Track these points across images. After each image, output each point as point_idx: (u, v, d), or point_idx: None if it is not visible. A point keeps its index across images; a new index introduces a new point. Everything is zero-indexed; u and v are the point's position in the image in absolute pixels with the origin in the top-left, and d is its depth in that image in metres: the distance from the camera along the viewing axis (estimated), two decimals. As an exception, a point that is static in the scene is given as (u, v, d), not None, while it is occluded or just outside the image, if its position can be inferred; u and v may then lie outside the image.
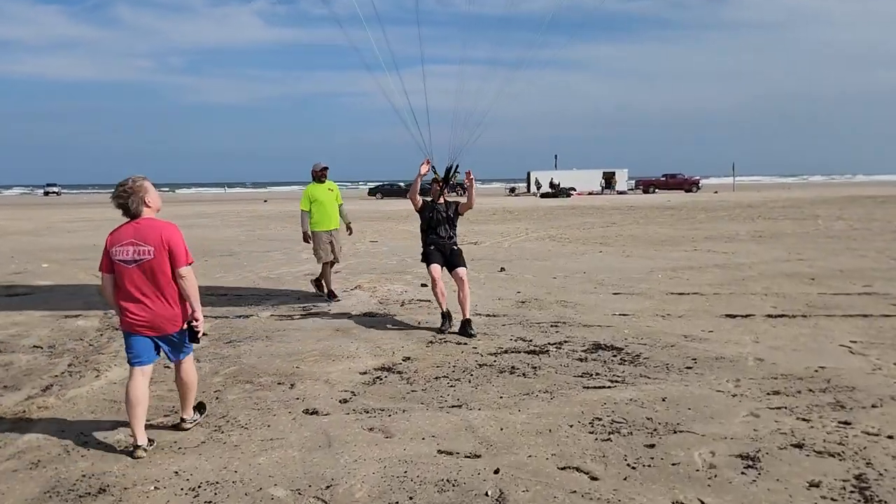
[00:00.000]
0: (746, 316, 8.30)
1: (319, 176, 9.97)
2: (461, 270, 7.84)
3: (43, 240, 21.03)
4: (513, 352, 6.80)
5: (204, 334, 4.90)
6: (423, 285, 10.81)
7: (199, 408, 4.97)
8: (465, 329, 7.50)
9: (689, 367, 6.16)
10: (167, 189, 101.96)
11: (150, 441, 4.44)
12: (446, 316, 7.79)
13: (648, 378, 5.86)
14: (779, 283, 10.71)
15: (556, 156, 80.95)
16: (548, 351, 6.79)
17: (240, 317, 8.74)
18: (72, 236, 22.26)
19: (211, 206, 46.64)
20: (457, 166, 8.32)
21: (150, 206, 4.47)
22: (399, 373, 6.14)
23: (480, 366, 6.32)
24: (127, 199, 4.38)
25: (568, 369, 6.15)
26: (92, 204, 58.32)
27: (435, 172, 8.27)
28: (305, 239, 9.99)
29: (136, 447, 4.32)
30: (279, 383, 5.90)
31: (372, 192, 64.92)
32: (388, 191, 64.22)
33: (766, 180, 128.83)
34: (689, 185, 63.04)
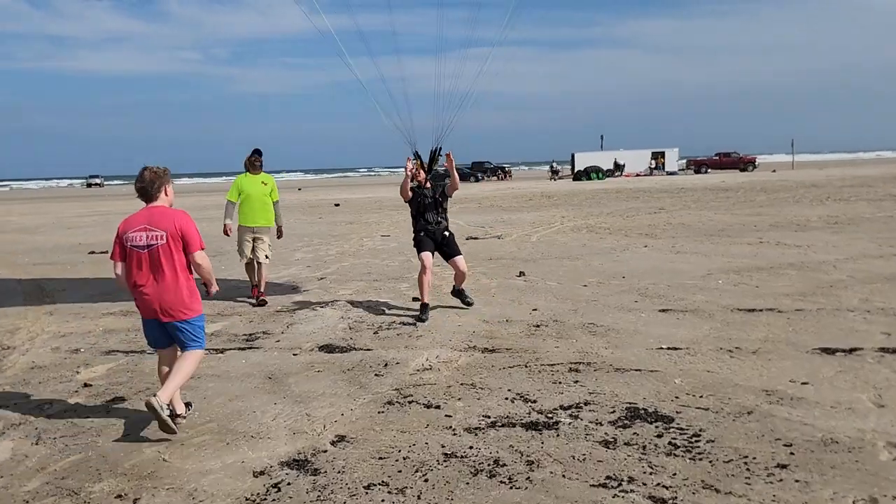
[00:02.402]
0: (851, 351, 5.82)
1: (251, 167, 9.01)
2: (458, 261, 7.85)
3: (29, 237, 19.39)
4: (504, 425, 4.49)
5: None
6: (415, 299, 8.55)
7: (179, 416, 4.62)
8: (462, 297, 8.04)
9: (783, 466, 3.77)
10: (205, 177, 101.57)
11: (188, 405, 4.82)
12: (426, 307, 7.59)
13: (716, 492, 3.49)
14: (881, 290, 8.13)
15: (602, 136, 77.81)
16: (557, 424, 4.47)
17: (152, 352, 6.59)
18: (68, 233, 20.64)
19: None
20: (439, 149, 8.04)
21: (166, 196, 4.63)
22: (315, 473, 3.89)
23: (447, 457, 4.03)
24: (149, 182, 4.54)
25: (584, 467, 3.82)
26: (128, 196, 57.62)
27: (418, 159, 7.96)
28: (225, 232, 9.20)
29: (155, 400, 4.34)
30: (118, 497, 3.71)
31: (409, 178, 62.80)
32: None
33: (829, 157, 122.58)
34: (745, 164, 59.31)
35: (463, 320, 7.44)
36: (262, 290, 8.90)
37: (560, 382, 5.30)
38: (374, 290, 9.44)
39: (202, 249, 4.58)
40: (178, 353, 4.68)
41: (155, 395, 4.32)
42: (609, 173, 59.14)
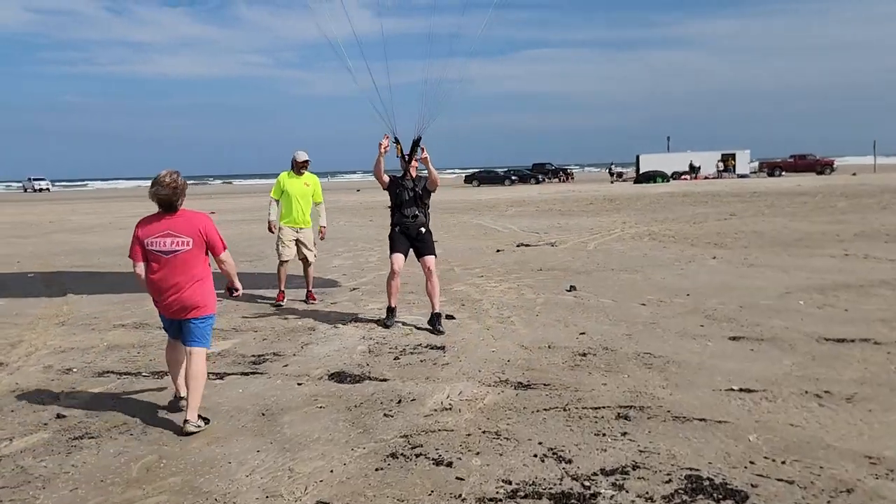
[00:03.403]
0: (976, 401, 4.66)
1: (298, 167, 8.94)
2: (428, 260, 7.28)
3: (78, 238, 19.29)
4: (528, 496, 3.56)
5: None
6: (449, 317, 7.66)
7: (204, 420, 4.68)
8: (434, 322, 7.15)
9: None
10: (269, 178, 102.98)
11: (205, 420, 4.70)
12: (391, 311, 7.38)
13: None
14: None
15: (668, 138, 75.39)
16: (595, 498, 3.51)
17: (146, 376, 5.89)
18: (118, 234, 20.52)
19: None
20: (419, 140, 7.42)
21: (180, 199, 4.68)
22: (277, 560, 3.05)
23: (448, 544, 3.13)
24: (173, 196, 4.60)
25: (625, 572, 2.86)
26: (193, 196, 58.62)
27: (398, 145, 7.44)
28: (270, 229, 9.18)
29: (180, 398, 4.91)
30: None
31: (468, 180, 61.95)
32: (485, 178, 61.10)
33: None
34: (822, 167, 56.26)
35: (499, 345, 6.51)
36: (311, 288, 9.05)
37: (604, 434, 4.33)
38: (407, 304, 8.58)
39: (225, 249, 4.81)
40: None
41: (187, 421, 4.52)
42: (676, 176, 57.00)
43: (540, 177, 61.47)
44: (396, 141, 7.40)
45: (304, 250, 8.88)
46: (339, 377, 5.66)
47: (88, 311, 8.65)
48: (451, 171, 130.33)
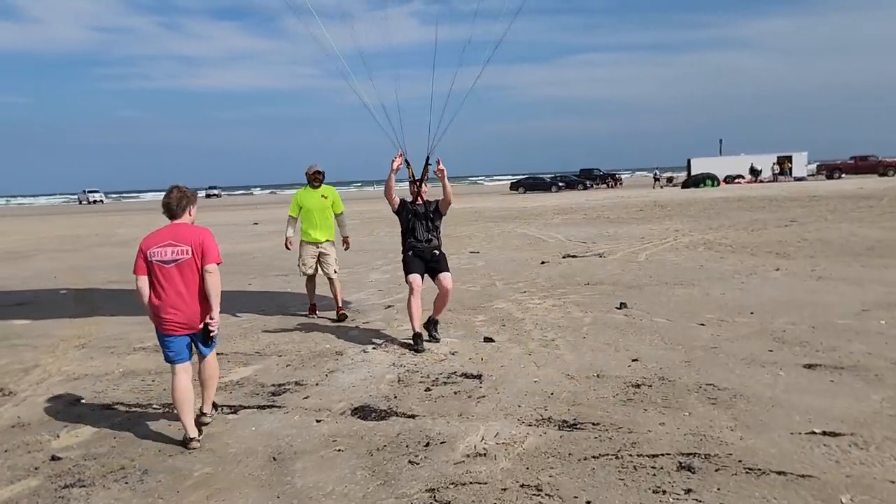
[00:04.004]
0: None
1: (311, 180, 8.72)
2: (445, 277, 7.03)
3: (122, 251, 19.23)
4: (572, 578, 2.92)
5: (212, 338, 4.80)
6: (488, 339, 7.05)
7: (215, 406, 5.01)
8: (430, 329, 7.09)
9: None
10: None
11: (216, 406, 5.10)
12: (418, 337, 6.87)
13: None
14: None
15: (720, 140, 73.44)
16: (656, 584, 2.86)
17: (157, 408, 5.42)
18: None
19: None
20: (427, 159, 7.16)
21: (190, 216, 4.83)
22: None
23: None
24: (175, 201, 4.74)
25: None
26: (243, 206, 59.27)
27: (409, 168, 7.18)
28: (287, 245, 8.96)
29: (189, 440, 4.58)
30: None
31: (514, 187, 61.13)
32: (531, 184, 60.21)
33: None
34: (885, 168, 53.79)
35: (541, 374, 5.86)
36: (339, 304, 8.73)
37: (664, 491, 3.66)
38: (444, 323, 7.99)
39: (218, 265, 4.72)
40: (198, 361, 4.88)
41: (203, 414, 4.86)
42: (729, 180, 55.27)
43: (587, 183, 60.35)
44: (408, 164, 7.18)
45: (327, 267, 8.65)
46: (362, 412, 5.09)
47: (111, 333, 8.29)
48: (498, 177, 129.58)
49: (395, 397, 5.41)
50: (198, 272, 4.63)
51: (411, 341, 6.93)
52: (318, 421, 4.97)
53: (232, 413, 5.24)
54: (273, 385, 5.90)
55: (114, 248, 21.19)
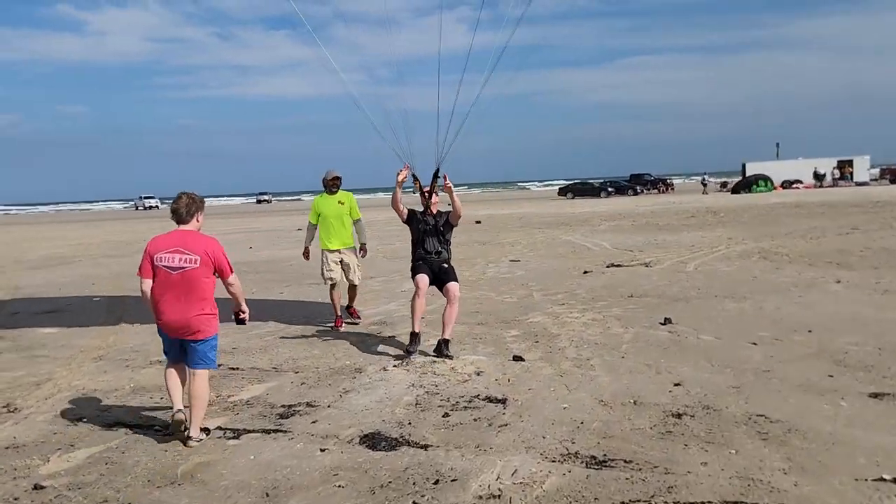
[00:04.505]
0: None
1: (329, 186, 8.53)
2: (452, 286, 6.85)
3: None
4: None
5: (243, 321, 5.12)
6: (517, 358, 6.56)
7: (205, 430, 4.86)
8: (441, 349, 6.68)
9: None
10: (371, 192, 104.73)
11: (206, 430, 4.86)
12: (416, 337, 6.80)
13: None
14: None
15: (777, 144, 71.28)
16: None
17: (158, 430, 5.08)
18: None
19: (388, 212, 44.60)
20: (437, 171, 7.02)
21: (197, 222, 4.90)
22: None
23: None
24: (184, 206, 4.82)
25: None
26: (292, 211, 59.77)
27: (416, 181, 7.08)
28: (304, 255, 8.87)
29: (178, 411, 4.75)
30: None
31: (562, 192, 60.32)
32: (580, 189, 59.28)
33: None
34: (954, 172, 51.29)
35: (572, 399, 5.35)
36: (353, 305, 8.78)
37: (704, 552, 3.12)
38: (473, 338, 7.54)
39: (233, 273, 4.92)
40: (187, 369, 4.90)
41: (190, 437, 4.70)
42: (786, 185, 53.40)
43: (638, 188, 59.11)
44: (415, 178, 7.06)
45: (350, 274, 8.53)
46: (372, 441, 4.66)
47: (132, 344, 8.06)
48: (547, 182, 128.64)
49: (410, 423, 4.97)
50: (202, 281, 4.73)
51: (408, 343, 6.88)
52: (322, 450, 4.55)
53: (234, 438, 4.87)
54: (283, 406, 5.52)
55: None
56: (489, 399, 5.43)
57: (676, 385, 5.56)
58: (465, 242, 19.50)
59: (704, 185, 58.26)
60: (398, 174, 6.87)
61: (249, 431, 5.00)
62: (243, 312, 5.09)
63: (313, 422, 5.11)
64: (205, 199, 5.13)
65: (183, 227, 4.86)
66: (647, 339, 7.17)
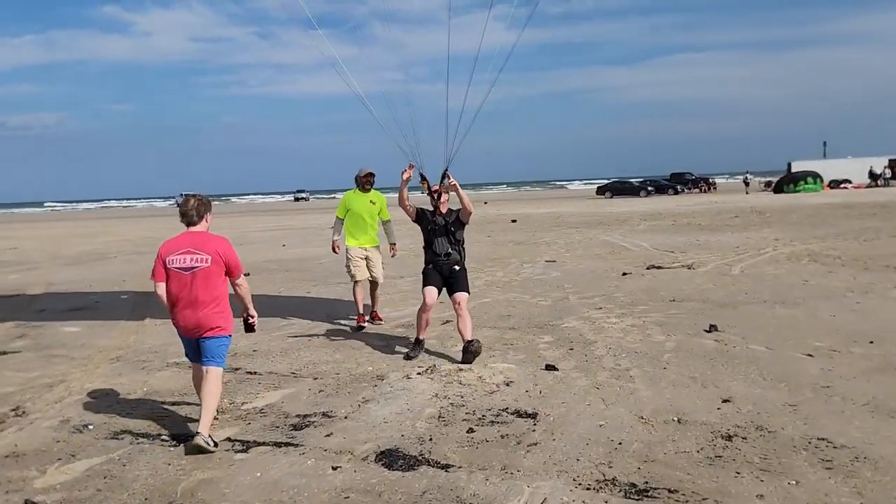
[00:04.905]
0: None
1: (363, 183, 8.39)
2: (460, 296, 6.61)
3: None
4: None
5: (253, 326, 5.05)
6: (550, 367, 6.12)
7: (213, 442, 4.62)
8: (465, 354, 6.34)
9: None
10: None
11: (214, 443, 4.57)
12: (419, 343, 6.77)
13: None
14: None
15: (824, 143, 69.35)
16: None
17: (165, 440, 4.77)
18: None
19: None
20: (445, 171, 6.78)
21: (206, 222, 4.95)
22: None
23: None
24: (194, 209, 4.87)
25: None
26: (328, 210, 59.95)
27: (423, 181, 6.88)
28: (334, 249, 8.63)
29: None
30: None
31: (600, 191, 59.31)
32: (618, 189, 58.25)
33: None
34: None
35: (609, 415, 4.90)
36: (375, 308, 8.66)
37: None
38: (503, 344, 7.12)
39: (241, 273, 4.96)
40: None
41: (198, 433, 4.50)
42: (834, 185, 51.68)
43: (679, 187, 57.84)
44: (423, 178, 6.85)
45: (373, 272, 8.39)
46: (388, 458, 4.28)
47: (151, 344, 7.82)
48: (585, 181, 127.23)
49: (431, 439, 4.57)
50: (214, 281, 4.76)
51: (412, 346, 6.83)
52: (334, 468, 4.18)
53: (242, 451, 4.54)
54: (297, 416, 5.17)
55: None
56: (518, 413, 5.01)
57: (725, 401, 5.07)
58: (499, 242, 19.06)
59: (747, 183, 56.65)
60: (402, 173, 6.70)
61: (259, 444, 4.66)
62: (252, 317, 5.00)
63: (327, 435, 4.75)
64: (211, 201, 5.19)
65: (192, 228, 4.89)
66: (691, 347, 6.66)
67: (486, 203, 54.02)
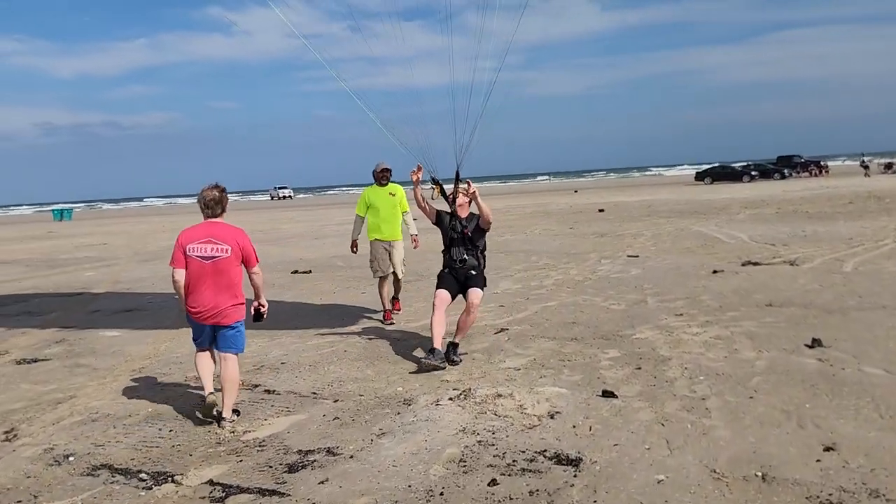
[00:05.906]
0: None
1: (379, 178, 8.44)
2: (473, 293, 6.37)
3: (270, 249, 18.97)
4: None
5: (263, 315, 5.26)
6: (608, 394, 5.09)
7: (236, 412, 5.05)
8: (449, 354, 6.19)
9: None
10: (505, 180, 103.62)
11: (236, 412, 5.07)
12: (433, 352, 6.11)
13: None
14: None
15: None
16: None
17: (144, 478, 4.08)
18: (312, 245, 20.04)
19: (510, 200, 43.24)
20: (457, 174, 6.60)
21: (225, 212, 5.20)
22: None
23: None
24: (216, 200, 5.11)
25: None
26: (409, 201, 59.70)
27: (436, 185, 6.76)
28: (352, 248, 8.80)
29: (210, 394, 5.02)
30: None
31: (699, 177, 56.29)
32: (719, 174, 55.12)
33: None
34: None
35: (673, 464, 3.86)
36: (397, 296, 8.69)
37: None
38: (559, 360, 6.12)
39: (258, 263, 5.18)
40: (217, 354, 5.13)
41: (223, 418, 4.87)
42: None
43: (786, 171, 54.13)
44: (435, 182, 6.71)
45: (395, 265, 8.38)
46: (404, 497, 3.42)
47: (182, 352, 7.28)
48: (681, 167, 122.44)
49: (441, 494, 3.68)
50: (233, 270, 4.99)
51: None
52: (368, 492, 3.38)
53: (218, 501, 3.79)
54: (298, 452, 4.40)
55: (262, 245, 21.10)
56: (558, 458, 4.04)
57: (828, 449, 3.93)
58: (581, 234, 17.86)
59: (866, 167, 52.16)
60: (412, 174, 6.51)
61: (241, 491, 3.91)
62: (262, 307, 5.23)
63: (321, 482, 3.93)
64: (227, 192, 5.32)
65: (212, 219, 5.09)
66: (788, 369, 5.47)
67: (576, 192, 52.36)
